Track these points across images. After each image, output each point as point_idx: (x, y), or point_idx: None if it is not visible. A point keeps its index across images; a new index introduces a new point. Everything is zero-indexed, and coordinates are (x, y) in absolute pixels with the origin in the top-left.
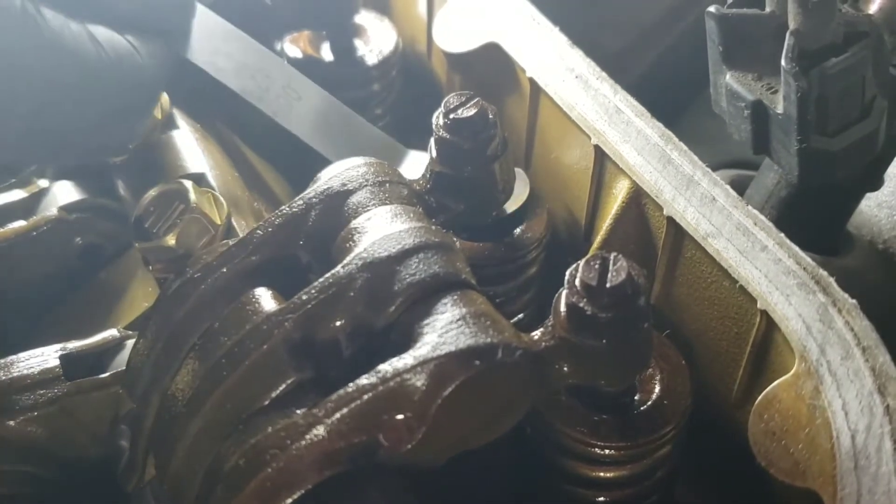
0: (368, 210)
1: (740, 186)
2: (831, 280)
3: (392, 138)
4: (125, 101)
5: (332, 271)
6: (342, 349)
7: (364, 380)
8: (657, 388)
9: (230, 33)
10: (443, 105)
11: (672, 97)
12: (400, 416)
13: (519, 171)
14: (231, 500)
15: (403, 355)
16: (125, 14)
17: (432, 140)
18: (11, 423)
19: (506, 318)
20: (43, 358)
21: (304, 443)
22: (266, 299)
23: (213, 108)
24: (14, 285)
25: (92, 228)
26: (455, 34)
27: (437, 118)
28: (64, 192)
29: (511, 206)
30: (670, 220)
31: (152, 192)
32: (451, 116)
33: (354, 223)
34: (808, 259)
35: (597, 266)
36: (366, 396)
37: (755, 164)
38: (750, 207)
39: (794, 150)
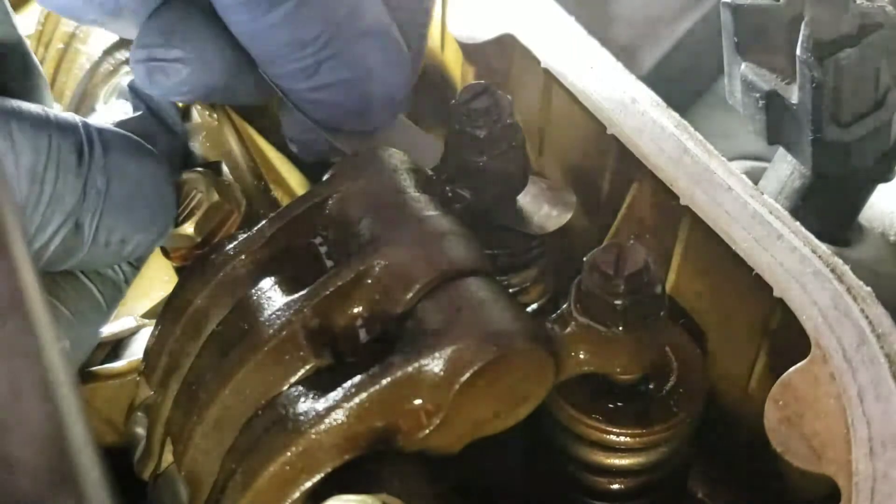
0: (385, 198)
1: (753, 178)
2: (846, 268)
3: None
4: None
5: (350, 259)
6: (360, 335)
7: (382, 366)
8: (672, 376)
9: None
10: (459, 94)
11: (682, 90)
12: (417, 402)
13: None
14: (250, 485)
15: (421, 341)
16: None
17: (447, 129)
18: None
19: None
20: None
21: (322, 427)
22: (284, 287)
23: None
24: None
25: None
26: (470, 25)
27: (453, 107)
28: None
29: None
30: (686, 208)
31: None
32: (467, 106)
33: (371, 211)
34: (824, 247)
35: (613, 253)
36: (384, 382)
37: (765, 158)
38: (765, 196)
39: (808, 141)
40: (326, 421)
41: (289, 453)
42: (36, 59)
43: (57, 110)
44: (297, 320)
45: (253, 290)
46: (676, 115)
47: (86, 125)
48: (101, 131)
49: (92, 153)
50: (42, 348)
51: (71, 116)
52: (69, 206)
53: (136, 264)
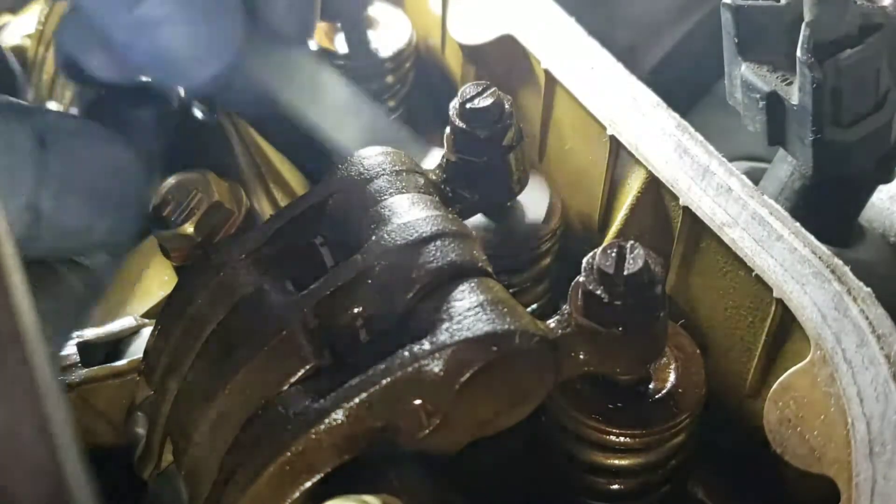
0: (386, 199)
1: (753, 178)
2: (846, 269)
3: (416, 135)
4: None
5: (350, 259)
6: (360, 335)
7: (382, 366)
8: (672, 377)
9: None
10: (459, 94)
11: (683, 92)
12: (417, 402)
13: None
14: (250, 485)
15: (421, 341)
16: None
17: (448, 129)
18: None
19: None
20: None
21: (322, 427)
22: (284, 287)
23: (228, 98)
24: None
25: None
26: (470, 26)
27: (454, 107)
28: None
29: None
30: (686, 209)
31: (170, 181)
32: (468, 106)
33: (372, 212)
34: (824, 248)
35: (613, 254)
36: (384, 382)
37: (765, 159)
38: (765, 197)
39: (808, 142)
40: (326, 421)
41: (289, 453)
42: (7, 54)
43: (17, 99)
44: (297, 320)
45: (253, 290)
46: (677, 115)
47: (48, 112)
48: (65, 119)
49: (55, 139)
50: (40, 384)
51: (33, 104)
52: (27, 192)
53: (113, 253)
